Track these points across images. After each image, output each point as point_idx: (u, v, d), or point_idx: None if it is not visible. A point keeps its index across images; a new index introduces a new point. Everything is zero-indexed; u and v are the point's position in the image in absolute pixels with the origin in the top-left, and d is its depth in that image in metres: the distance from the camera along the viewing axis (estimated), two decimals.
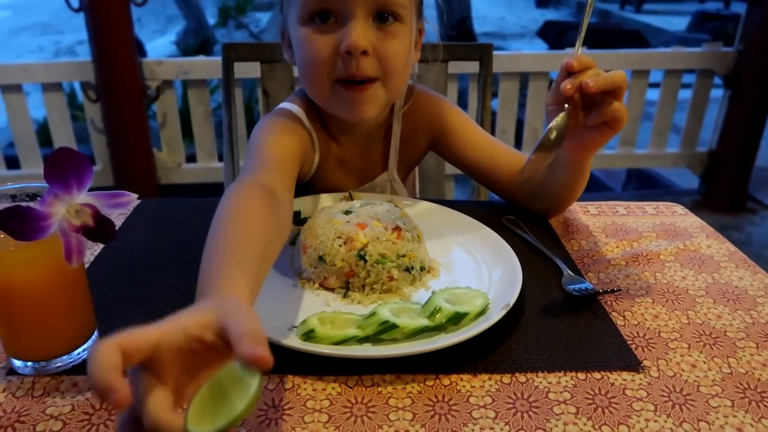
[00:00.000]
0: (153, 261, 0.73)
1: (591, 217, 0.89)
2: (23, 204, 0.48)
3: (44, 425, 0.49)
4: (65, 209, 0.50)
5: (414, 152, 0.96)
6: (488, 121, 1.33)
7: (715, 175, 2.92)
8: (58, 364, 0.55)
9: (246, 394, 0.34)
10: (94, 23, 2.34)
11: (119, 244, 0.76)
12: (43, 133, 2.92)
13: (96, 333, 0.58)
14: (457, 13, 6.57)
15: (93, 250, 0.74)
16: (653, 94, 2.80)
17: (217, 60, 2.49)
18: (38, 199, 0.54)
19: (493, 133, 1.19)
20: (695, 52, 2.68)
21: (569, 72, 0.67)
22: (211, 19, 8.31)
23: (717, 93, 2.83)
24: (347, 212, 0.70)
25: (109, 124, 2.46)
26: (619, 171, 3.69)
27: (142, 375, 0.37)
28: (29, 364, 0.54)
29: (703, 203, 3.00)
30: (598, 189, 3.54)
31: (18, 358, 0.54)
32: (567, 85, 0.66)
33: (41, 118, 3.24)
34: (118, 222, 0.82)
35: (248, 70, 1.30)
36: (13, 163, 2.70)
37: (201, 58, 2.63)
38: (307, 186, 0.90)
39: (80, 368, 0.55)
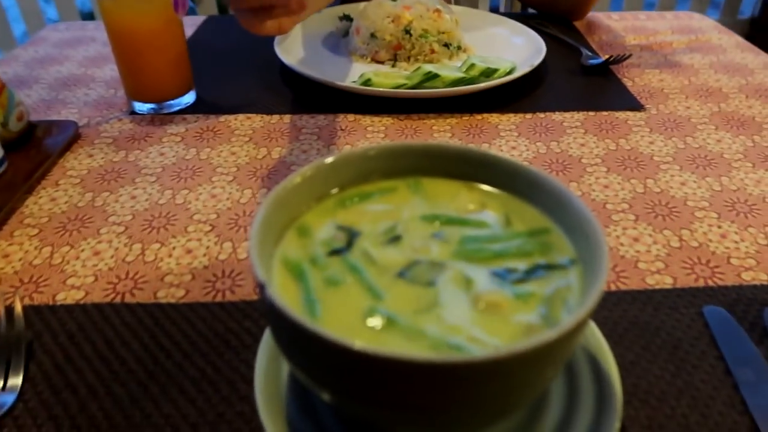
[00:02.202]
0: (235, 38, 0.85)
1: (613, 21, 0.98)
2: None
3: (168, 138, 0.64)
4: None
5: None
6: None
7: (758, 42, 2.86)
8: (169, 108, 0.69)
9: None
10: None
11: (211, 25, 0.88)
12: None
13: (194, 90, 0.72)
14: None
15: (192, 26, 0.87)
16: None
17: None
18: None
19: None
20: None
21: None
22: None
23: None
24: (394, 0, 0.80)
25: None
26: None
27: None
28: (147, 105, 0.68)
29: None
30: None
31: (138, 101, 0.68)
32: None
33: None
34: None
35: None
36: None
37: None
38: None
39: (186, 110, 0.69)
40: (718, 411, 0.35)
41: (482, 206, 0.35)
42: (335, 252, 0.32)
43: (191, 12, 2.55)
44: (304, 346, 0.26)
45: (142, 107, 0.68)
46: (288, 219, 0.34)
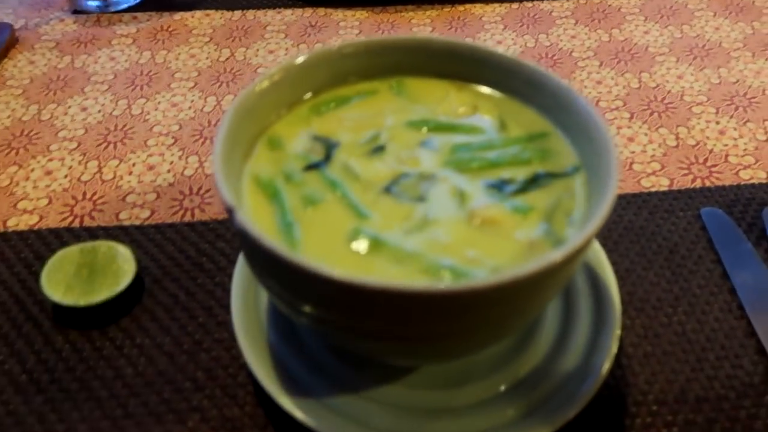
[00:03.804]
0: None
1: None
2: None
3: (118, 40, 0.57)
4: None
5: None
6: None
7: None
8: (116, 6, 0.61)
9: None
10: None
11: None
12: None
13: None
14: None
15: None
16: None
17: None
18: None
19: None
20: None
21: None
22: None
23: None
24: None
25: None
26: None
27: None
28: (92, 2, 0.61)
29: None
30: None
31: None
32: None
33: None
34: None
35: None
36: None
37: None
38: None
39: (135, 8, 0.62)
40: (715, 317, 0.34)
41: (474, 109, 0.32)
42: (312, 166, 0.29)
43: None
44: (283, 276, 0.23)
45: (86, 5, 0.61)
46: (257, 129, 0.30)
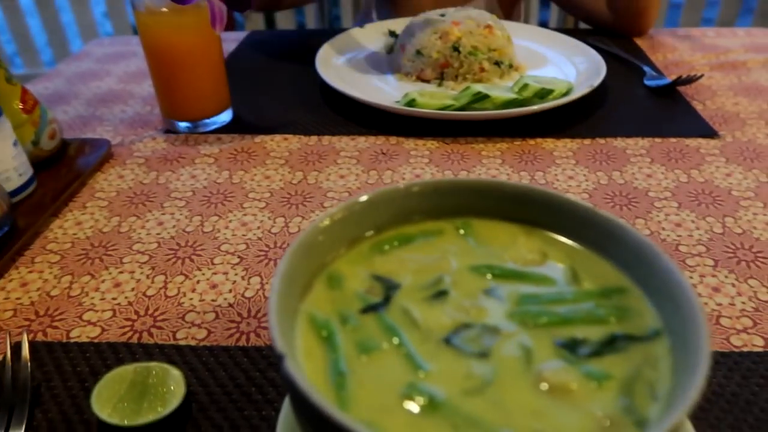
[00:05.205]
0: (277, 55, 0.83)
1: (679, 38, 0.91)
2: None
3: (201, 159, 0.61)
4: None
5: None
6: None
7: None
8: (205, 127, 0.66)
9: None
10: None
11: (253, 41, 0.86)
12: None
13: (231, 108, 0.69)
14: None
15: (234, 41, 0.86)
16: None
17: None
18: None
19: None
20: None
21: None
22: None
23: None
24: (442, 15, 0.76)
25: None
26: None
27: None
28: (182, 123, 0.66)
29: None
30: None
31: (172, 119, 0.66)
32: None
33: None
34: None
35: None
36: None
37: None
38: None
39: (222, 130, 0.66)
40: None
41: (544, 256, 0.30)
42: (370, 308, 0.28)
43: (239, 27, 2.58)
44: None
45: (177, 125, 0.66)
46: (316, 266, 0.29)
